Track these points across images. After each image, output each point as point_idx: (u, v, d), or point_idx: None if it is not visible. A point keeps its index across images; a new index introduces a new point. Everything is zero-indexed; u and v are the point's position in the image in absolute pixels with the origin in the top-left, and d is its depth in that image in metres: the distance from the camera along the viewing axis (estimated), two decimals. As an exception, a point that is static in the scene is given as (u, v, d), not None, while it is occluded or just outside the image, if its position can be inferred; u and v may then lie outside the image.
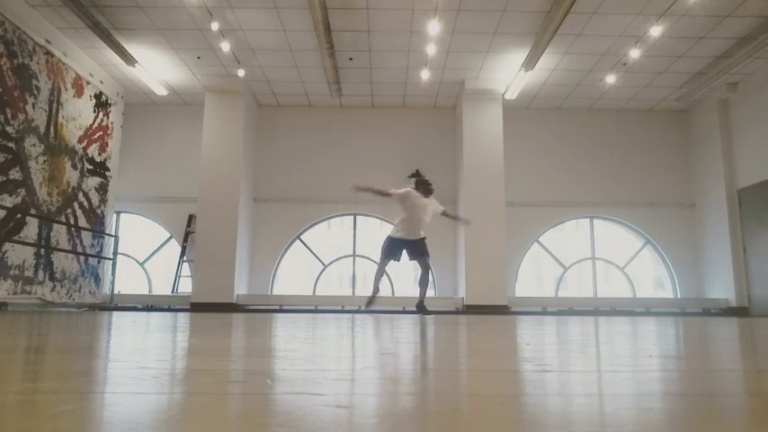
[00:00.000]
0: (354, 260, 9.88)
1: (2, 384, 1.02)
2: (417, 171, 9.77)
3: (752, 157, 8.51)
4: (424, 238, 6.63)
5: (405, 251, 6.60)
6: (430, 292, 10.42)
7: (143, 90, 9.38)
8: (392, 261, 6.67)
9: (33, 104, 7.00)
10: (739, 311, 8.60)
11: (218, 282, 8.64)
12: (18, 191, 6.74)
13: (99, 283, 8.69)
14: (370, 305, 6.66)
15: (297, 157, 9.88)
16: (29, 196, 6.96)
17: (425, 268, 6.59)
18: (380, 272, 6.69)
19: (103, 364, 1.38)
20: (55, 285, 7.50)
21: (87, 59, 8.29)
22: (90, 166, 8.41)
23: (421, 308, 6.55)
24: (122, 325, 3.36)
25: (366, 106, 10.04)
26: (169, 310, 8.33)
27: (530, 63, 7.91)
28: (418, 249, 6.56)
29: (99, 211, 8.69)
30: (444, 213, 6.99)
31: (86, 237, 8.29)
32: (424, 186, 6.68)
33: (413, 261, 6.75)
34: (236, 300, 8.76)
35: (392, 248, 6.58)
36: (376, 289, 6.62)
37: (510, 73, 8.64)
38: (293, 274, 10.60)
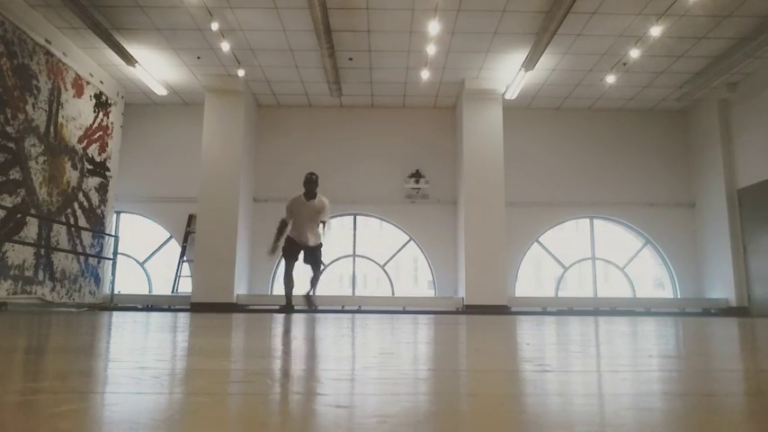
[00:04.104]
0: (354, 260, 9.88)
1: (2, 384, 1.02)
2: (417, 171, 9.79)
3: (752, 157, 8.51)
4: (320, 245, 6.58)
5: (301, 253, 6.57)
6: (429, 292, 10.45)
7: (143, 90, 9.38)
8: (294, 261, 6.62)
9: (33, 104, 7.00)
10: (739, 311, 8.60)
11: (218, 282, 8.64)
12: (18, 191, 6.74)
13: (99, 283, 8.69)
14: (287, 310, 6.45)
15: (297, 157, 9.87)
16: (29, 196, 6.95)
17: (316, 271, 6.59)
18: (288, 275, 6.56)
19: (103, 364, 1.38)
20: (55, 285, 7.49)
21: (87, 59, 8.29)
22: (90, 166, 8.41)
23: (309, 300, 6.51)
24: (122, 325, 3.36)
25: (366, 106, 10.04)
26: (169, 310, 8.33)
27: (530, 63, 7.91)
28: (311, 257, 6.56)
29: (99, 211, 8.69)
30: (322, 222, 6.67)
31: (86, 237, 8.29)
32: (306, 185, 6.57)
33: (307, 264, 6.69)
34: (236, 300, 8.76)
35: (290, 248, 6.52)
36: (289, 293, 6.51)
37: (510, 73, 8.64)
38: (293, 274, 10.58)
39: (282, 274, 6.65)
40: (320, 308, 6.71)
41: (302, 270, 6.69)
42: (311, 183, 6.55)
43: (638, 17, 6.99)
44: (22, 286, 6.81)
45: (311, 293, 6.57)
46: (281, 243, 6.56)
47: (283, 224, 6.61)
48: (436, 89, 9.31)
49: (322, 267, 6.70)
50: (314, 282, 6.61)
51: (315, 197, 6.56)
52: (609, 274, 11.14)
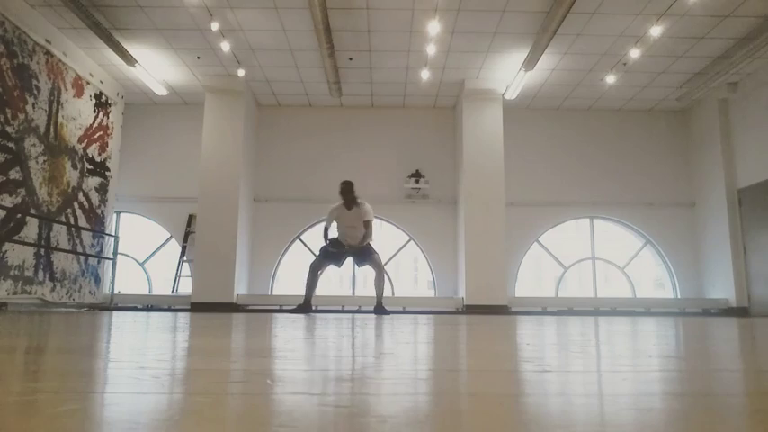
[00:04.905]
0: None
1: (2, 384, 1.02)
2: (417, 171, 9.79)
3: (752, 157, 8.51)
4: (368, 245, 6.40)
5: (350, 257, 6.45)
6: (429, 292, 10.44)
7: (143, 90, 9.38)
8: (332, 264, 6.52)
9: (33, 104, 7.00)
10: (739, 311, 8.60)
11: (218, 282, 8.64)
12: (18, 191, 6.74)
13: (99, 283, 8.69)
14: (304, 310, 6.32)
15: (297, 157, 9.88)
16: (29, 196, 6.95)
17: (377, 268, 6.43)
18: (314, 273, 6.43)
19: (103, 364, 1.38)
20: (55, 285, 7.49)
21: (87, 59, 8.29)
22: (90, 166, 8.41)
23: (379, 309, 6.35)
24: (122, 325, 3.36)
25: (366, 106, 10.04)
26: (169, 310, 8.33)
27: (530, 63, 7.91)
28: (361, 254, 6.39)
29: (99, 211, 8.69)
30: (365, 225, 6.43)
31: (86, 237, 8.29)
32: (344, 195, 6.42)
33: (362, 266, 6.62)
34: (236, 300, 8.76)
35: (333, 249, 6.35)
36: (309, 295, 6.36)
37: (510, 73, 8.64)
38: (293, 274, 10.60)
39: (308, 271, 6.41)
40: (390, 310, 6.51)
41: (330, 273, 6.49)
42: (346, 192, 6.41)
43: (638, 17, 6.99)
44: (22, 286, 6.81)
45: (380, 300, 6.39)
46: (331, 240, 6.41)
47: (325, 231, 6.47)
48: (436, 89, 9.31)
49: (383, 265, 6.52)
50: (378, 284, 6.42)
51: (356, 205, 6.39)
52: (609, 274, 11.14)
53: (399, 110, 10.09)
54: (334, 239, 6.45)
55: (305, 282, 6.41)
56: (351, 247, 6.37)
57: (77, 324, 3.47)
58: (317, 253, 6.54)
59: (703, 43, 7.62)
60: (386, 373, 1.24)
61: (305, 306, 6.34)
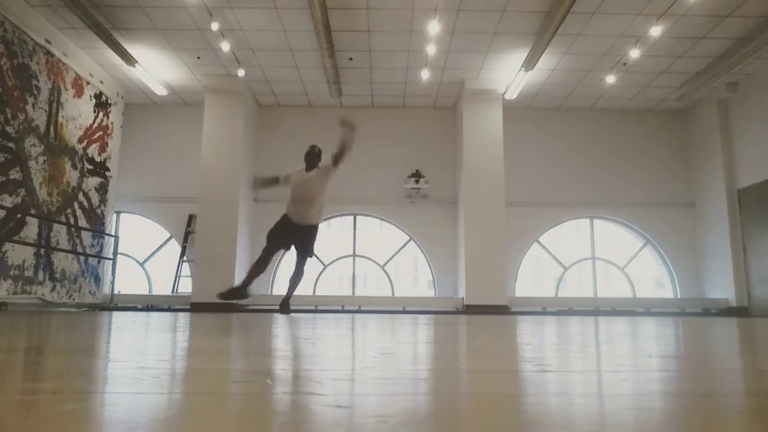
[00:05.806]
0: (354, 260, 9.88)
1: (2, 384, 1.02)
2: (417, 171, 9.78)
3: (752, 157, 8.51)
4: (315, 225, 5.86)
5: (293, 241, 5.79)
6: (429, 292, 10.44)
7: (143, 90, 9.38)
8: (281, 249, 5.90)
9: (33, 104, 6.99)
10: (739, 311, 8.60)
11: (217, 282, 8.60)
12: (18, 191, 6.74)
13: (99, 283, 8.68)
14: (238, 294, 5.76)
15: (296, 158, 9.81)
16: (29, 196, 6.95)
17: (303, 264, 5.82)
18: (262, 259, 5.76)
19: (103, 364, 1.38)
20: (55, 285, 7.49)
21: (87, 59, 8.29)
22: (90, 166, 8.41)
23: (285, 306, 5.88)
24: (122, 325, 3.36)
25: (366, 106, 10.04)
26: (169, 310, 8.32)
27: (530, 63, 7.91)
28: (302, 239, 5.75)
29: (99, 211, 8.69)
30: (335, 157, 5.69)
31: (86, 237, 8.29)
32: (306, 157, 5.92)
33: (295, 253, 5.87)
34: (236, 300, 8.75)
35: (281, 229, 5.76)
36: (251, 278, 5.76)
37: (510, 73, 8.64)
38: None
39: (258, 258, 5.87)
40: (293, 312, 6.01)
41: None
42: (312, 155, 5.96)
43: (638, 17, 6.98)
44: (22, 286, 6.81)
45: (288, 296, 5.91)
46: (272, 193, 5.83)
47: (277, 179, 6.00)
48: (436, 89, 9.31)
49: (307, 262, 5.90)
50: (294, 280, 5.87)
51: (317, 169, 5.87)
52: (609, 274, 11.14)
53: (399, 110, 10.09)
54: (281, 220, 5.90)
55: (253, 266, 5.90)
56: (296, 227, 5.76)
57: (77, 324, 3.47)
58: (267, 238, 5.94)
59: (703, 43, 7.62)
60: (386, 373, 1.24)
61: (240, 289, 5.81)
